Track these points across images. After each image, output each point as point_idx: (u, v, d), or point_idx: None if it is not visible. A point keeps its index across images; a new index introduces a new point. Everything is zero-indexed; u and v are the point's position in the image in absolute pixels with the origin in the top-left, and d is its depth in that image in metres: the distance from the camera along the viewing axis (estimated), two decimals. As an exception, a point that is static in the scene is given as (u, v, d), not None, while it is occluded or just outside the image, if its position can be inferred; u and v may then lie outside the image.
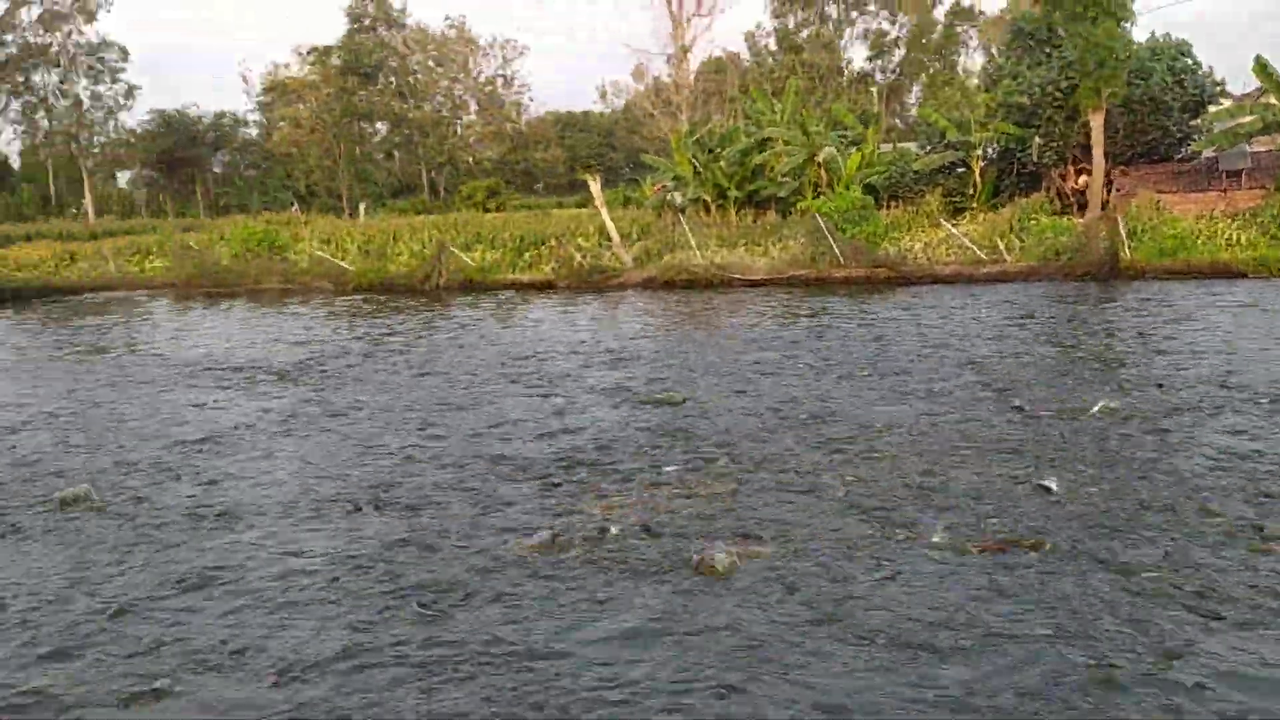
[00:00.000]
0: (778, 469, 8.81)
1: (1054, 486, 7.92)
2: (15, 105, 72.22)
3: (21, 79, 71.42)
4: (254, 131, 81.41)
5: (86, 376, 15.65)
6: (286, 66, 75.95)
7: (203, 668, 5.46)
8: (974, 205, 32.59)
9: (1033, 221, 27.94)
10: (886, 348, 15.48)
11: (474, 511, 7.97)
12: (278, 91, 75.48)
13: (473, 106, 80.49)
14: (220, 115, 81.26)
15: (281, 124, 73.94)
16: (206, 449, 10.32)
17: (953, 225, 28.77)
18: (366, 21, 74.35)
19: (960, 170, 33.99)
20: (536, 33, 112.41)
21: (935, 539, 6.94)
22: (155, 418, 12.08)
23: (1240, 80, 38.40)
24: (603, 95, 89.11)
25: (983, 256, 26.48)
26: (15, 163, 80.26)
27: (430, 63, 77.06)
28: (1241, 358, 13.12)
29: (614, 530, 7.32)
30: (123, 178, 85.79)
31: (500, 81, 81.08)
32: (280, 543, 7.37)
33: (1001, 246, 26.73)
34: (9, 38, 70.05)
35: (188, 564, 6.98)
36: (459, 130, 78.85)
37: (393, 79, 74.68)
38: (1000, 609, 5.83)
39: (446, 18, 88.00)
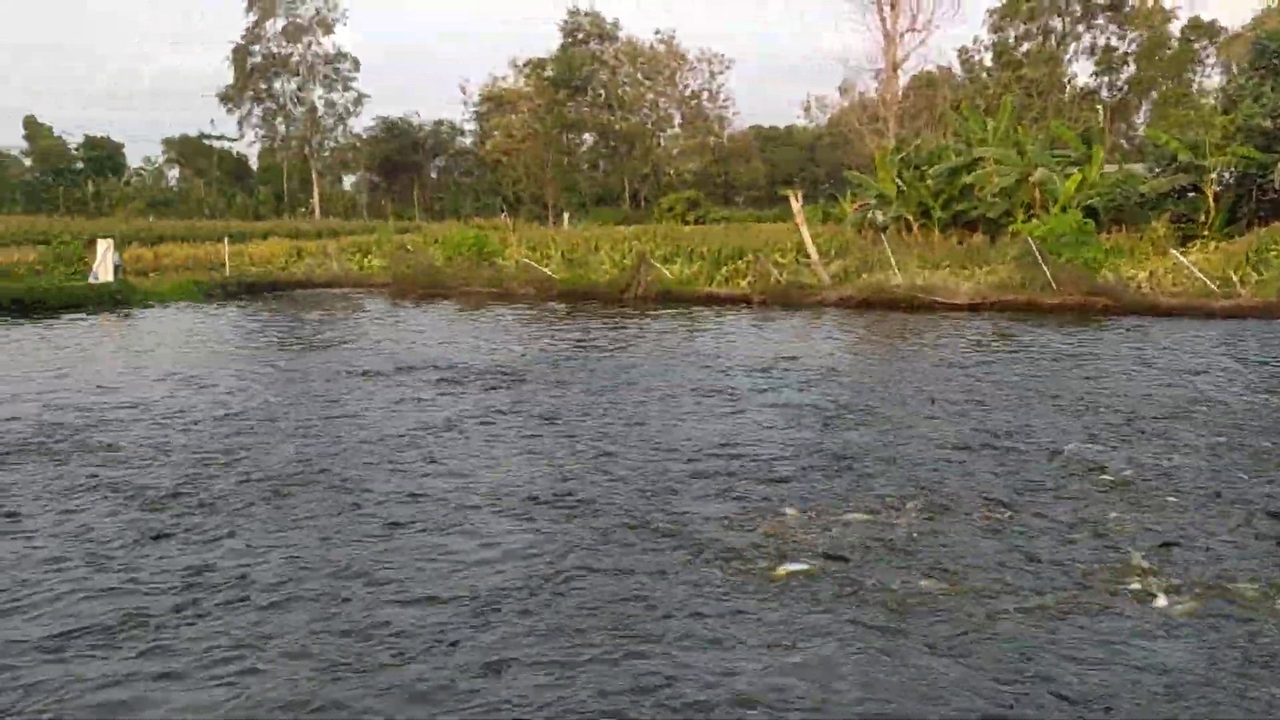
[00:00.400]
0: (968, 505, 8.43)
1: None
2: (257, 111, 78.37)
3: (264, 86, 77.44)
4: (469, 140, 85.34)
5: (305, 368, 16.72)
6: (503, 78, 79.24)
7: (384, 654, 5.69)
8: (1205, 233, 30.45)
9: (1272, 253, 25.79)
10: (1099, 381, 14.60)
11: (659, 521, 7.99)
12: (493, 102, 78.78)
13: (677, 119, 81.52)
14: (439, 123, 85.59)
15: (495, 133, 77.11)
16: (415, 441, 10.81)
17: (1181, 254, 26.89)
18: (580, 35, 76.61)
19: (1191, 195, 31.81)
20: (742, 48, 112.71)
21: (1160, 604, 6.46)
22: (369, 409, 12.76)
23: None
24: (807, 110, 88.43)
25: (1214, 289, 24.61)
26: (254, 164, 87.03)
27: (639, 76, 78.56)
28: None
29: (792, 567, 7.17)
30: (348, 180, 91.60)
31: (705, 95, 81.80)
32: (467, 536, 7.62)
33: (1236, 279, 24.77)
34: (256, 48, 76.12)
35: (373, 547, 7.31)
36: (662, 142, 80.00)
37: (602, 91, 76.60)
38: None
39: (657, 31, 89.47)
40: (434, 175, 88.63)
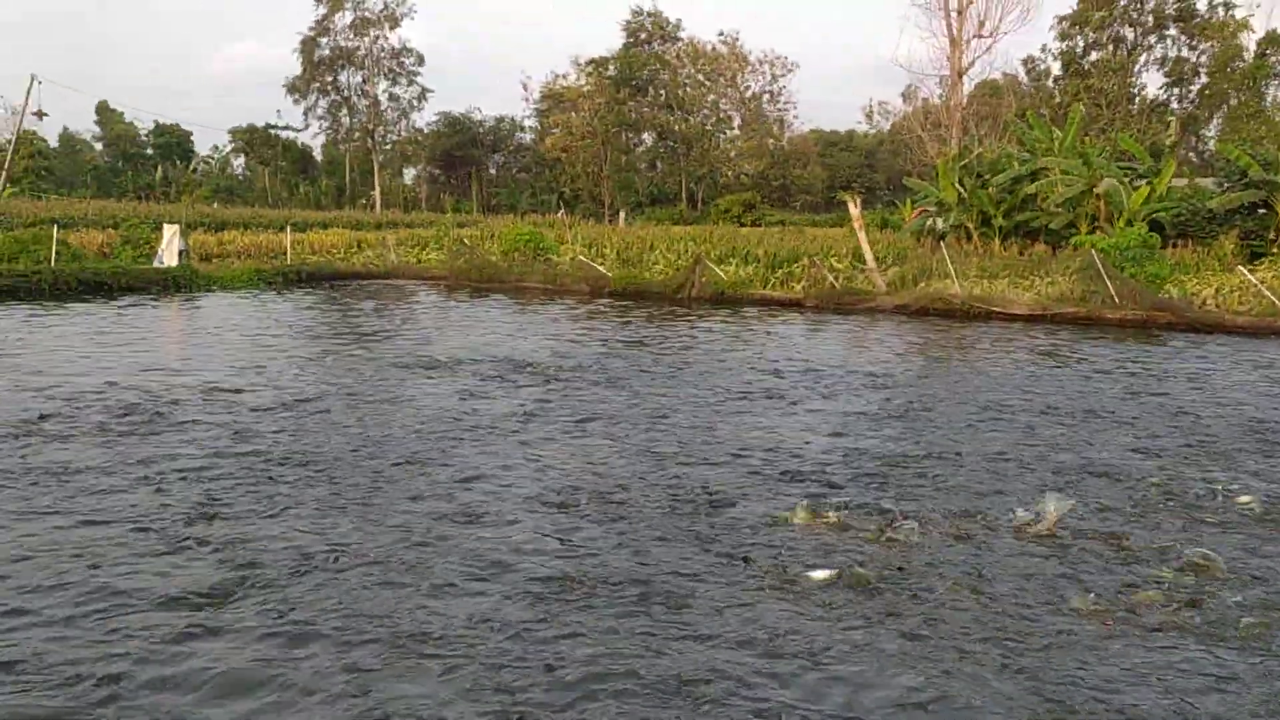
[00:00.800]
0: (1010, 518, 8.32)
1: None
2: (323, 103, 79.49)
3: (330, 78, 78.53)
4: (528, 136, 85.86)
5: (361, 357, 16.97)
6: (564, 76, 79.60)
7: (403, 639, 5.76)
8: (1275, 251, 29.68)
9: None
10: (1160, 399, 14.33)
11: (693, 528, 8.00)
12: (553, 99, 79.16)
13: (736, 121, 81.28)
14: (500, 119, 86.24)
15: (554, 130, 77.46)
16: (464, 433, 10.93)
17: (1249, 271, 26.26)
18: (643, 35, 76.70)
19: (1262, 212, 31.02)
20: (806, 51, 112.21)
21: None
22: (420, 400, 12.92)
23: None
24: (869, 115, 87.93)
25: (1282, 308, 24.01)
26: (318, 155, 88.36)
27: (700, 77, 78.47)
28: None
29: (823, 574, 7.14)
30: (408, 174, 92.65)
31: (766, 97, 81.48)
32: (496, 530, 7.69)
33: (1306, 299, 24.15)
34: (324, 41, 77.23)
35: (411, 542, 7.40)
36: (721, 144, 79.82)
37: (662, 91, 76.59)
38: None
39: (720, 33, 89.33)
40: (493, 170, 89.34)
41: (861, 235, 30.18)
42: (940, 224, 36.32)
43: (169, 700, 5.10)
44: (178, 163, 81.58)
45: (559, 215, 54.00)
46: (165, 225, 30.98)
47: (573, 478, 9.37)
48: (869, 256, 29.50)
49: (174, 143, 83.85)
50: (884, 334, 22.88)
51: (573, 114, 75.82)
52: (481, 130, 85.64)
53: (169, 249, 29.62)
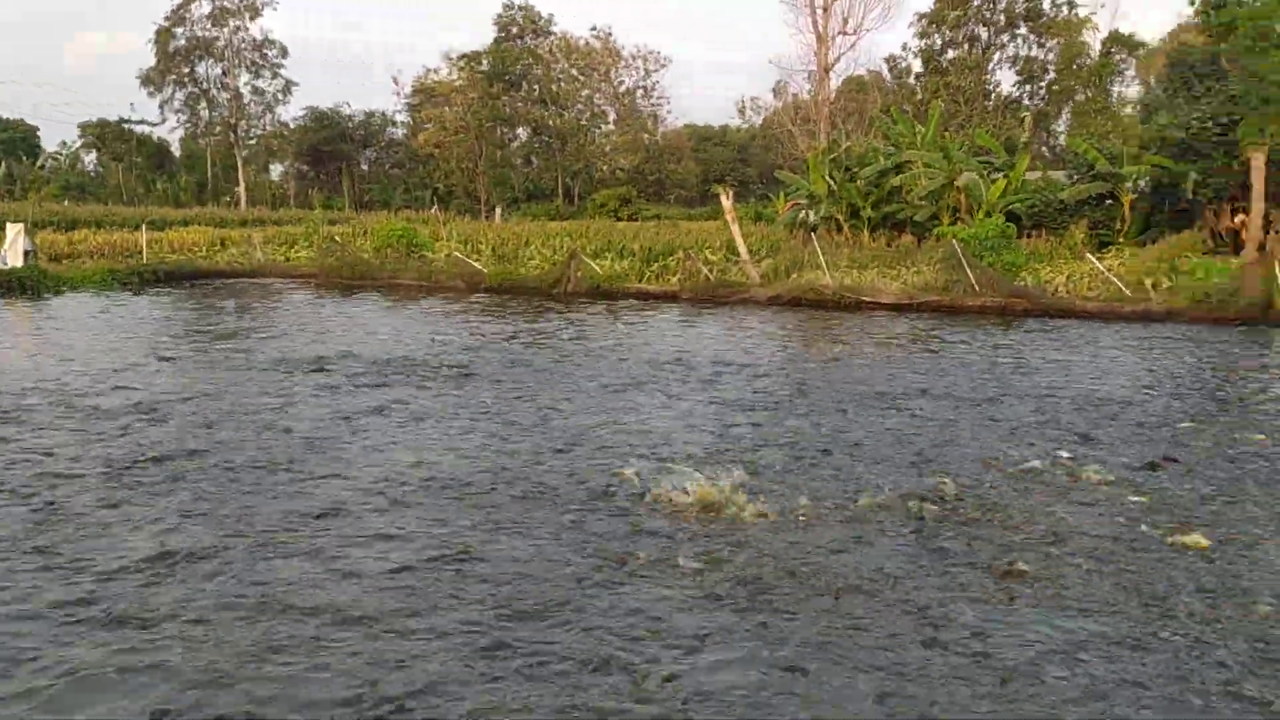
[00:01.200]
0: (870, 497, 8.56)
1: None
2: (180, 95, 76.24)
3: (187, 70, 75.40)
4: (400, 132, 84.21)
5: (219, 358, 16.35)
6: (436, 71, 78.30)
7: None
8: (1121, 240, 31.30)
9: (1183, 260, 26.62)
10: (1011, 381, 14.94)
11: (562, 518, 7.97)
12: (425, 94, 77.83)
13: (611, 116, 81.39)
14: (370, 114, 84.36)
15: (427, 126, 76.18)
16: (328, 431, 10.63)
17: (1097, 259, 27.64)
18: (514, 30, 76.07)
19: (1108, 203, 32.68)
20: (678, 47, 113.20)
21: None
22: (284, 399, 12.52)
23: None
24: (741, 111, 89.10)
25: (1128, 294, 25.33)
26: (176, 150, 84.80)
27: (574, 71, 78.27)
28: None
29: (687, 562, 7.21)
30: (275, 170, 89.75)
31: (640, 92, 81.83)
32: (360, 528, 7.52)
33: (1148, 285, 25.53)
34: (180, 30, 74.11)
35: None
36: (596, 139, 79.81)
37: (536, 86, 76.12)
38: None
39: (593, 28, 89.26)
40: (365, 167, 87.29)
41: (735, 228, 30.58)
42: (812, 216, 37.08)
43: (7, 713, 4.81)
44: (23, 159, 77.16)
45: (433, 211, 53.11)
46: (8, 225, 29.23)
47: (444, 471, 9.21)
48: (742, 249, 29.93)
49: (18, 138, 79.28)
50: (758, 324, 23.24)
51: (446, 109, 74.66)
52: (351, 125, 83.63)
53: (13, 249, 27.97)
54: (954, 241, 27.56)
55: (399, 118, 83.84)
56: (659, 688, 5.26)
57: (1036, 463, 9.89)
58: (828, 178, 36.50)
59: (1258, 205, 27.44)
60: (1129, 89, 61.39)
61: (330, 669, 5.38)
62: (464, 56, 74.93)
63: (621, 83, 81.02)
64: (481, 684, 5.25)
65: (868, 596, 6.49)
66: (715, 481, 8.84)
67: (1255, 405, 13.66)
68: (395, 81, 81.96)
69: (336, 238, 36.73)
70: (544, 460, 9.78)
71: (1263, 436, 11.30)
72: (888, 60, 65.58)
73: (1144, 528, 7.86)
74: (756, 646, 5.74)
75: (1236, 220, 29.85)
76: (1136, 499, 8.69)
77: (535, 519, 7.93)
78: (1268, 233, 27.83)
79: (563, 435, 10.91)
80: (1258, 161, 27.19)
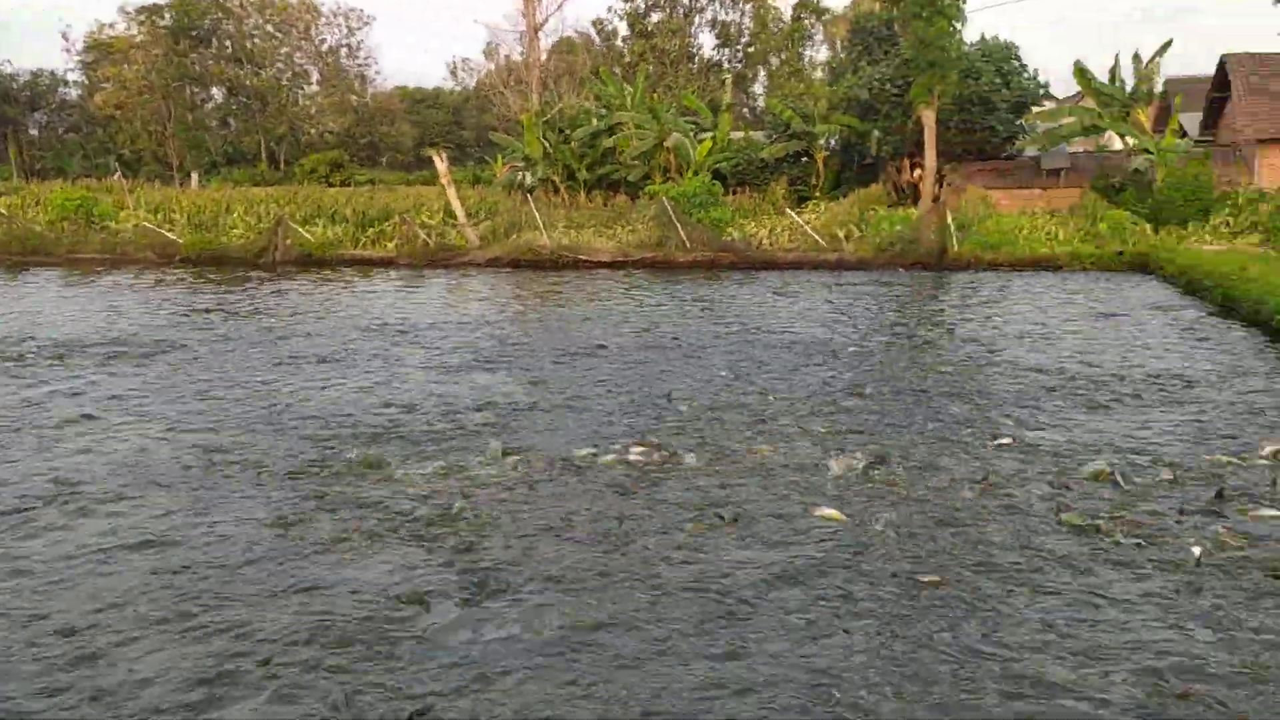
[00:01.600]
0: (597, 447, 8.76)
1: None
2: None
3: None
4: (74, 93, 76.35)
5: None
6: (111, 26, 71.40)
7: None
8: (817, 195, 33.46)
9: (870, 213, 28.84)
10: (716, 330, 15.68)
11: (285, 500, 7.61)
12: (101, 51, 70.87)
13: (315, 76, 77.59)
14: (37, 74, 76.00)
15: (105, 85, 69.52)
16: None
17: (796, 213, 29.42)
18: (201, -19, 70.62)
19: (804, 160, 34.80)
20: (385, 5, 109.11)
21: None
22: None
23: (1064, 83, 40.65)
24: (453, 72, 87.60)
25: (823, 244, 27.17)
26: None
27: (269, 28, 73.80)
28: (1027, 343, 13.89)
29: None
30: (-75, 136, 79.09)
31: (344, 51, 78.41)
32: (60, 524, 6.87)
33: (841, 235, 27.49)
34: None
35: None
36: (300, 100, 75.88)
37: (228, 43, 71.22)
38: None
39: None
40: (34, 132, 78.54)
41: (451, 191, 30.07)
42: (528, 178, 37.07)
43: None
44: None
45: (116, 178, 48.54)
46: None
47: (141, 458, 8.50)
48: (460, 212, 29.51)
49: None
50: (478, 286, 23.06)
51: (125, 67, 68.32)
52: (15, 86, 74.90)
53: None
54: (664, 200, 28.45)
55: (71, 76, 75.93)
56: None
57: (738, 398, 10.43)
58: (542, 139, 36.58)
59: (930, 161, 30.12)
60: (818, 53, 65.48)
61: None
62: (143, 10, 68.78)
63: (323, 40, 77.24)
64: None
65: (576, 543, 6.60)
66: (448, 445, 8.67)
67: (930, 338, 15.08)
68: (65, 38, 73.94)
69: (3, 209, 32.89)
70: (256, 435, 9.24)
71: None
72: (595, 23, 66.33)
73: (808, 445, 8.48)
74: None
75: (915, 174, 32.64)
76: (819, 427, 9.36)
77: (235, 495, 7.47)
78: (941, 185, 30.66)
79: (272, 409, 10.35)
80: (928, 119, 29.81)
